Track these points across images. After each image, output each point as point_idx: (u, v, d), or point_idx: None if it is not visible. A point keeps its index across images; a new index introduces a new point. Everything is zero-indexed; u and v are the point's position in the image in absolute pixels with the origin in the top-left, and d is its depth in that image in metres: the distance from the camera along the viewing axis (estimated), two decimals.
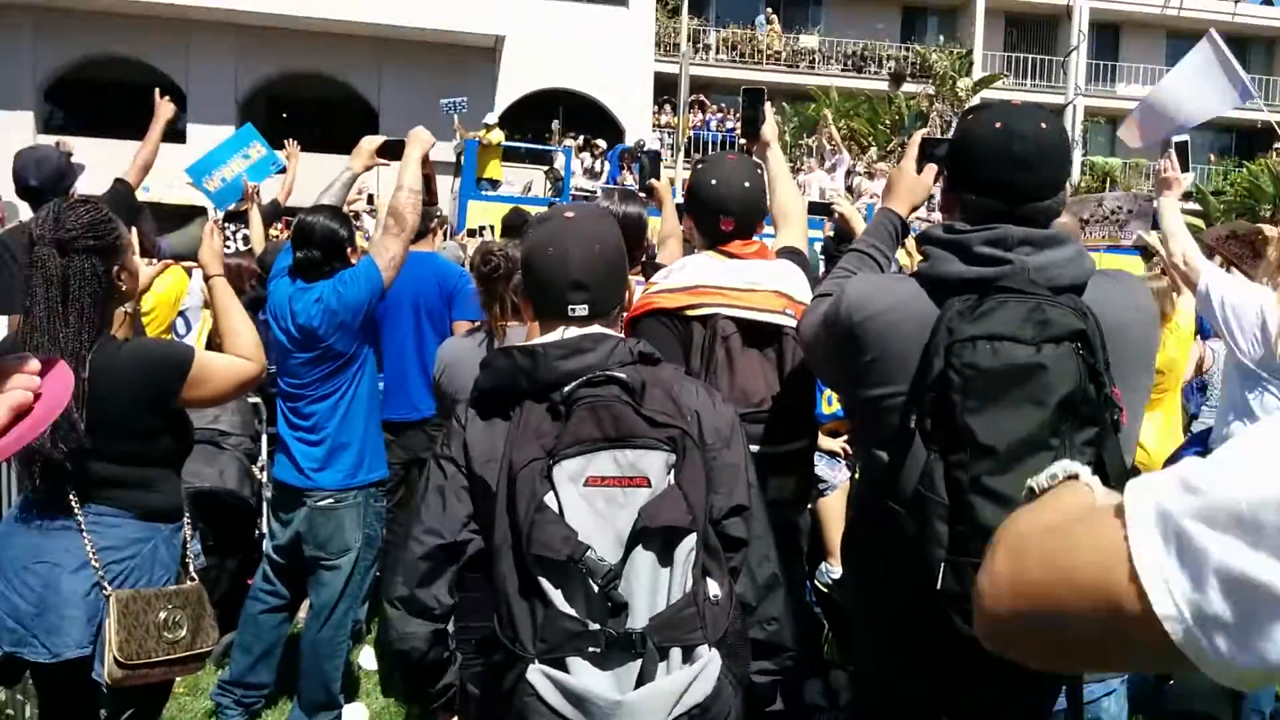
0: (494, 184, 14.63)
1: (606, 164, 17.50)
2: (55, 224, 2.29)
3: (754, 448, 2.30)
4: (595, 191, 16.47)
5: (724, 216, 2.51)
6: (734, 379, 2.39)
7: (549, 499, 1.54)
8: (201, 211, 6.21)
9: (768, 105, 2.97)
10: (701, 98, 24.66)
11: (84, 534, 2.32)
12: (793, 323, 2.40)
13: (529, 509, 1.54)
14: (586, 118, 23.20)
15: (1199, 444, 3.90)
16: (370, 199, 10.27)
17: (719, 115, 24.53)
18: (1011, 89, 26.97)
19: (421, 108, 17.44)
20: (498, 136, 15.11)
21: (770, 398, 2.41)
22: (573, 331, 1.70)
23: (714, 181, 2.53)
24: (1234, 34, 30.05)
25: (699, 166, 2.63)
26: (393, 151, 3.95)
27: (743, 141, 3.21)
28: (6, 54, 20.35)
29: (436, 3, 20.57)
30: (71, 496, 2.33)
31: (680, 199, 2.95)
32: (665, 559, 1.55)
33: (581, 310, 1.70)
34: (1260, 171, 23.24)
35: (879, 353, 1.87)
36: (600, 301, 1.72)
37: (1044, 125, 1.85)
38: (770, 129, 2.95)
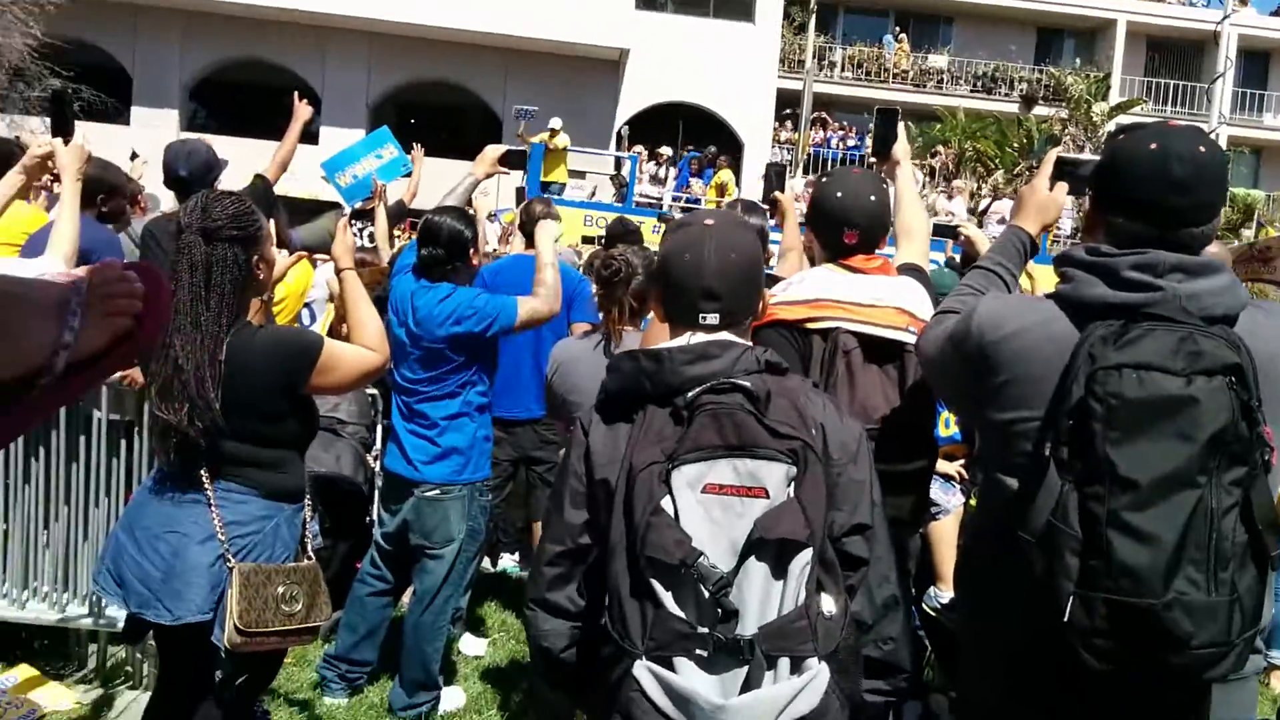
0: (559, 188, 14.81)
1: (673, 171, 17.52)
2: (203, 213, 2.40)
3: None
4: (660, 198, 16.58)
5: (848, 229, 2.48)
6: (854, 394, 2.35)
7: (665, 503, 1.53)
8: (330, 206, 6.42)
9: (901, 125, 2.93)
10: (824, 115, 24.46)
11: (212, 508, 2.41)
12: (914, 339, 2.35)
13: (645, 511, 1.53)
14: (708, 131, 23.26)
15: None
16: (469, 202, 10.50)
17: (840, 133, 24.29)
18: (1150, 114, 25.93)
19: (545, 117, 17.83)
20: (563, 141, 15.31)
21: (890, 415, 2.36)
22: (699, 337, 1.68)
23: (839, 194, 2.50)
24: None
25: (823, 180, 2.60)
26: (514, 161, 4.09)
27: (873, 160, 3.18)
28: (156, 55, 21.49)
29: (563, 15, 20.91)
30: (203, 472, 2.43)
31: (803, 213, 2.93)
32: (779, 571, 1.53)
33: (712, 318, 1.70)
34: None
35: (1013, 375, 1.81)
36: (732, 311, 1.71)
37: (1203, 148, 1.76)
38: (902, 147, 2.92)
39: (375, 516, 4.12)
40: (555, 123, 15.36)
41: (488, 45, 21.61)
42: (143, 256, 3.97)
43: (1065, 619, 1.61)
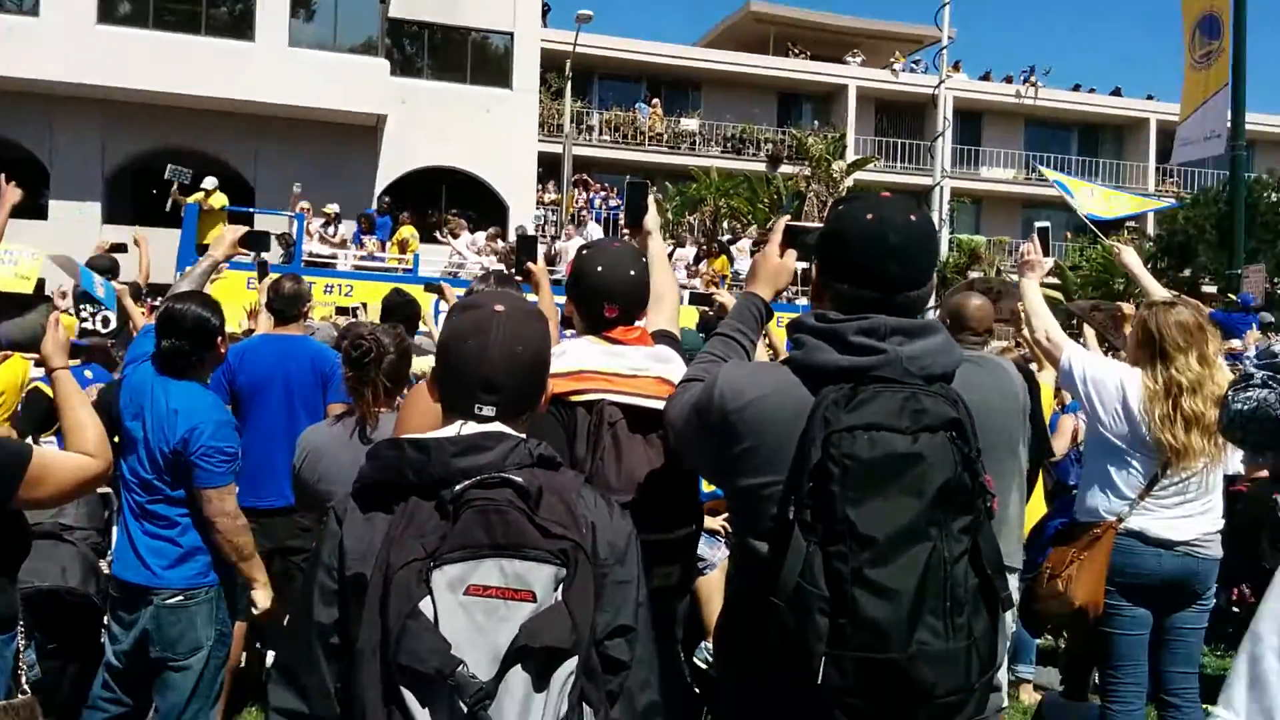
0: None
1: (339, 228, 17.18)
2: None
3: (641, 536, 2.25)
4: (334, 256, 16.23)
5: (608, 304, 2.48)
6: (621, 466, 2.33)
7: (424, 605, 1.43)
8: (41, 300, 5.97)
9: (650, 197, 3.00)
10: (585, 177, 25.06)
11: None
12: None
13: (401, 614, 1.42)
14: (471, 195, 23.26)
15: (1064, 514, 4.02)
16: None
17: (602, 193, 24.94)
18: (883, 171, 28.22)
19: (303, 181, 17.22)
20: (219, 200, 14.37)
21: (657, 483, 2.36)
22: (471, 428, 1.60)
23: (599, 268, 2.49)
24: (1086, 122, 32.32)
25: (584, 252, 2.59)
26: (253, 241, 3.91)
27: (625, 231, 3.23)
28: None
29: (316, 81, 20.42)
30: None
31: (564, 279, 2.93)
32: (542, 682, 1.45)
33: (489, 410, 1.62)
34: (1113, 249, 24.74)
35: (755, 441, 1.84)
36: (511, 404, 1.64)
37: (914, 217, 1.87)
38: (652, 218, 2.98)
39: (107, 632, 3.73)
40: (209, 182, 14.32)
41: (234, 113, 20.74)
42: None
43: (819, 680, 1.63)
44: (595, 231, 17.98)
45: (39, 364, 4.67)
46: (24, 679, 2.34)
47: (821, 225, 2.07)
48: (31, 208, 13.85)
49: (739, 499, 1.91)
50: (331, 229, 16.74)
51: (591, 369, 2.41)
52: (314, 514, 3.43)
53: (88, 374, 5.34)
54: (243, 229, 3.96)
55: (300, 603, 1.64)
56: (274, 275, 5.09)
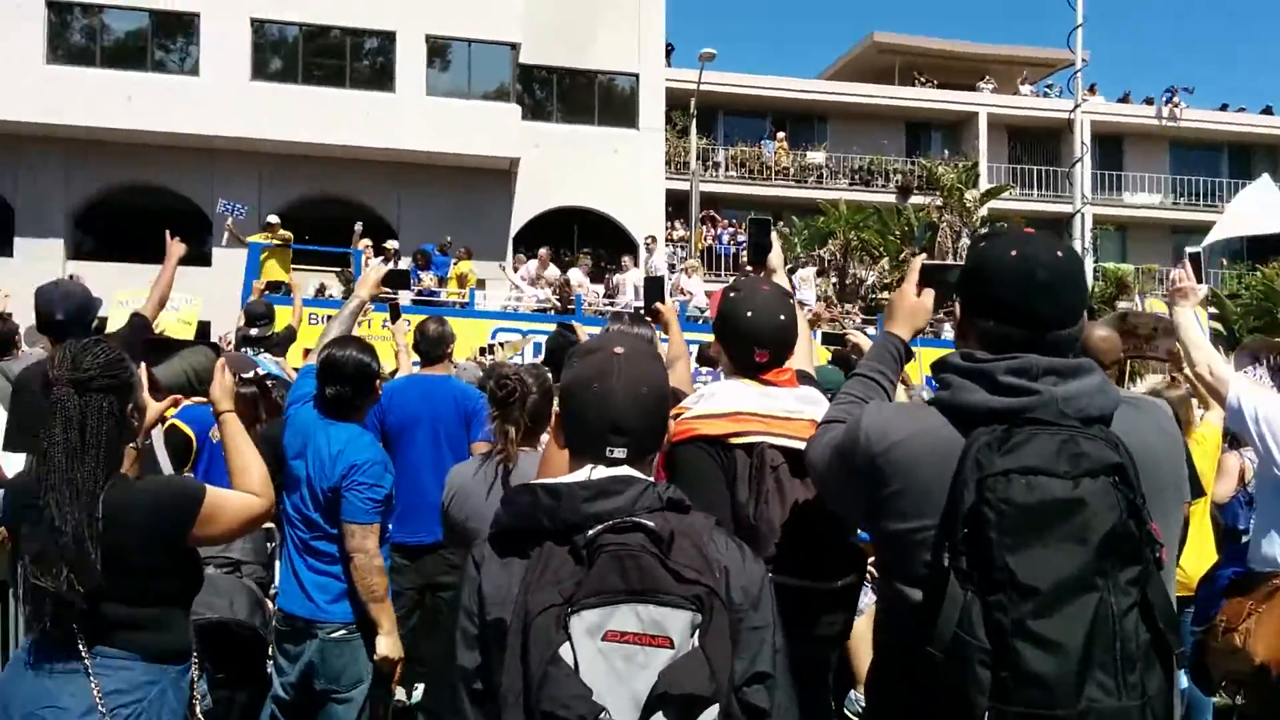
0: (278, 287, 13.51)
1: (398, 264, 17.31)
2: (73, 365, 2.30)
3: (804, 583, 2.22)
4: (394, 294, 16.17)
5: (759, 349, 2.47)
6: (785, 511, 2.30)
7: (564, 651, 1.45)
8: (186, 345, 6.29)
9: (774, 234, 3.01)
10: (712, 213, 25.16)
11: (91, 678, 2.25)
12: None
13: (542, 660, 1.45)
14: (602, 233, 23.66)
15: (1237, 562, 3.77)
16: None
17: (730, 229, 24.98)
18: (1019, 199, 27.41)
19: (440, 226, 17.83)
20: (284, 236, 14.46)
21: (819, 531, 2.32)
22: (600, 472, 1.62)
23: (749, 314, 2.48)
24: (1237, 142, 30.71)
25: (732, 295, 2.57)
26: (395, 281, 4.07)
27: (749, 267, 3.24)
28: (39, 183, 20.99)
29: (452, 128, 21.23)
30: (79, 639, 2.27)
31: (708, 317, 2.95)
32: None
33: (619, 453, 1.64)
34: (1275, 276, 23.38)
35: (902, 484, 1.80)
36: (639, 446, 1.66)
37: (1060, 252, 1.82)
38: (776, 256, 2.97)
39: (273, 664, 3.90)
40: (272, 218, 14.77)
41: (378, 160, 21.70)
42: (14, 404, 3.78)
43: None
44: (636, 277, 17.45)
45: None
46: (198, 708, 2.46)
47: (960, 264, 2.04)
48: (196, 256, 14.71)
49: (888, 544, 1.88)
50: (391, 265, 17.08)
51: (748, 411, 2.39)
52: (462, 551, 3.53)
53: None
54: (385, 269, 4.15)
55: (445, 647, 1.68)
56: (406, 316, 5.28)
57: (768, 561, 2.16)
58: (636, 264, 18.28)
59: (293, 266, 14.63)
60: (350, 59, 21.89)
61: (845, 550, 2.40)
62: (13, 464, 4.19)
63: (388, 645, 3.49)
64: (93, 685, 2.25)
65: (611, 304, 17.06)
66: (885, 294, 23.79)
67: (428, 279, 16.57)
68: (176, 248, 4.60)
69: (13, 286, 10.13)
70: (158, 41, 21.38)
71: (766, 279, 2.95)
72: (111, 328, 5.88)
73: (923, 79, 29.64)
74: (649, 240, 20.27)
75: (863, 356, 2.88)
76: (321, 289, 16.16)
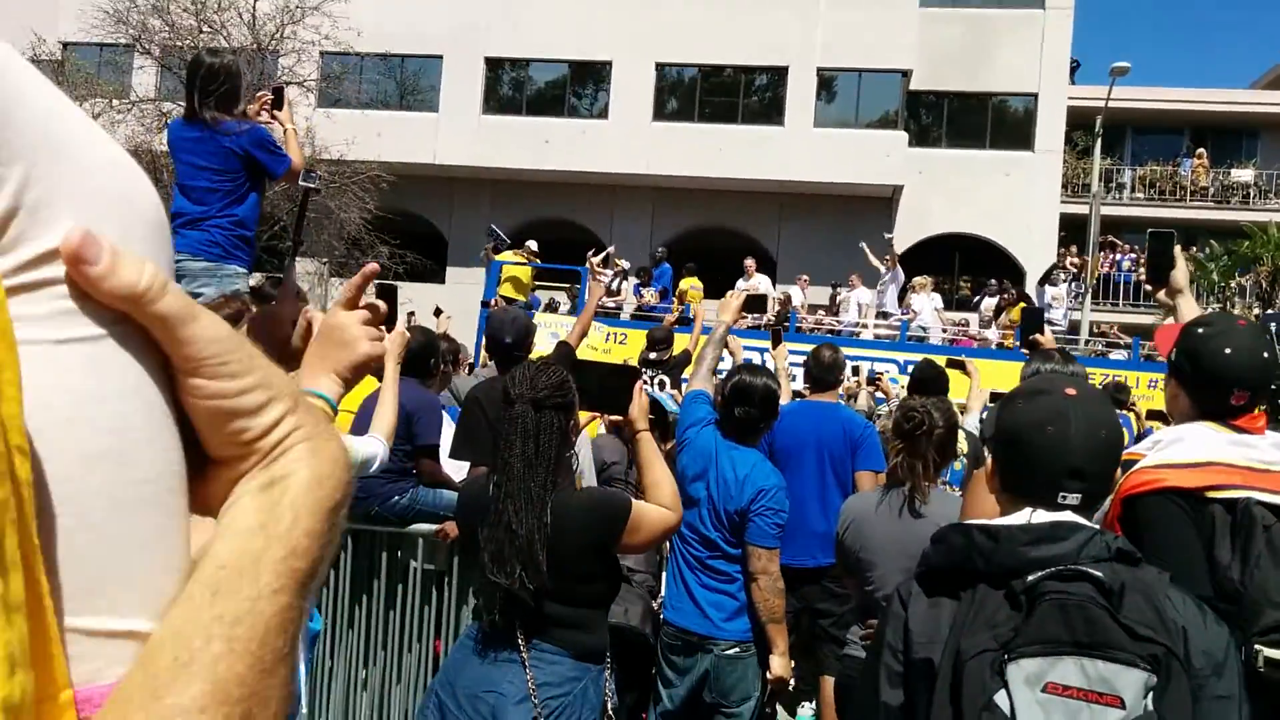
0: (513, 303, 13.89)
1: (625, 282, 16.73)
2: (531, 385, 2.55)
3: None
4: (617, 307, 15.75)
5: (1238, 390, 2.22)
6: None
7: (999, 698, 1.39)
8: (621, 366, 6.81)
9: (1178, 249, 2.69)
10: (1112, 238, 23.13)
11: (526, 668, 2.48)
12: None
13: (976, 705, 1.40)
14: (986, 259, 22.61)
15: None
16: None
17: (1132, 254, 22.85)
18: None
19: (817, 254, 17.98)
20: (530, 252, 14.85)
21: None
22: (1042, 516, 1.56)
23: (1228, 350, 2.24)
24: None
25: (1202, 331, 2.33)
26: (755, 305, 4.21)
27: (1148, 287, 2.92)
28: (467, 221, 23.83)
29: (836, 157, 21.35)
30: (519, 633, 2.50)
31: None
32: None
33: (1074, 499, 1.57)
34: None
35: None
36: (1094, 492, 1.59)
37: None
38: (1181, 273, 2.68)
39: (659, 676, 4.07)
40: (531, 244, 15.10)
41: (763, 191, 22.31)
42: (464, 418, 4.29)
43: None
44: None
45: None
46: (609, 706, 2.63)
47: None
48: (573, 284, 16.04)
49: None
50: (614, 284, 17.12)
51: (1223, 461, 2.15)
52: (851, 579, 3.50)
53: None
54: (744, 293, 4.37)
55: (865, 682, 1.67)
56: (819, 346, 5.36)
57: (1263, 633, 1.94)
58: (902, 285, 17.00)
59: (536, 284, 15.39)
60: (743, 95, 22.72)
61: None
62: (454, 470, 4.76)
63: (781, 665, 3.56)
64: (528, 675, 2.47)
65: (838, 322, 16.58)
66: None
67: (648, 294, 16.58)
68: (598, 288, 5.05)
69: (447, 309, 11.58)
70: (573, 89, 23.49)
71: (1170, 299, 2.68)
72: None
73: None
74: (1056, 270, 18.63)
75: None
76: (553, 304, 16.79)
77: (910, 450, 3.01)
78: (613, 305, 15.83)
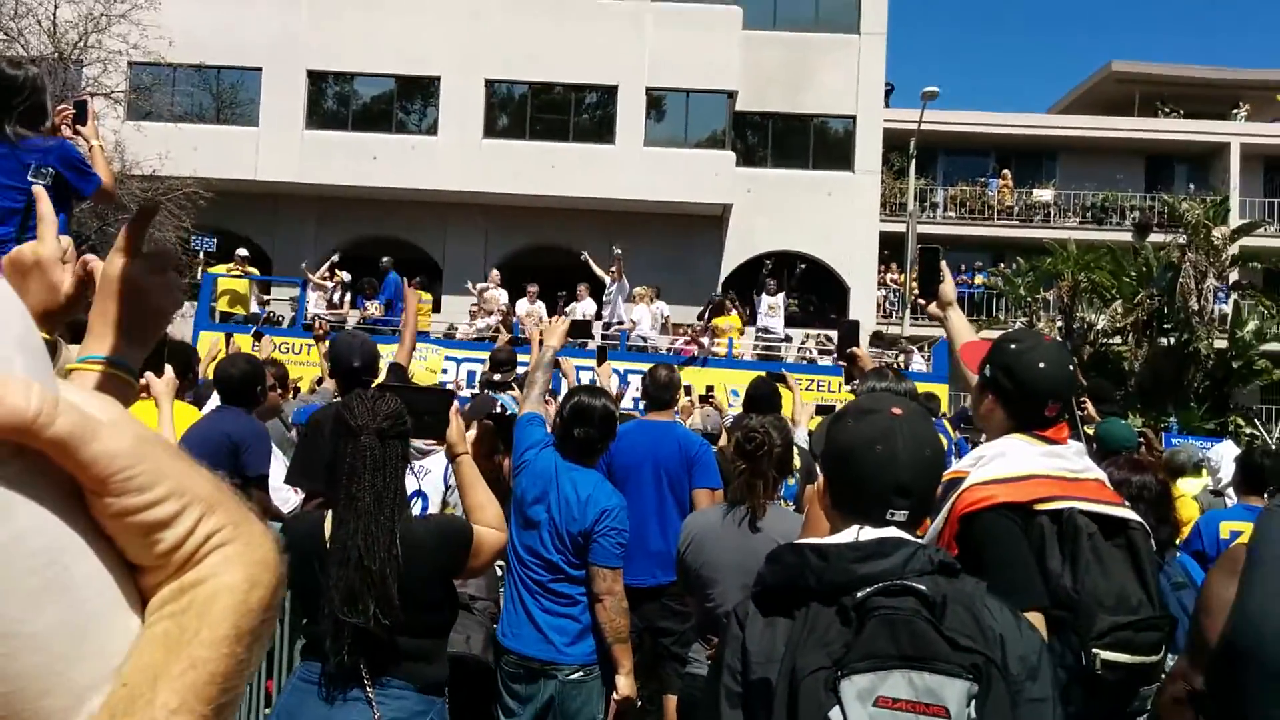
0: (230, 318, 14.27)
1: (346, 294, 17.12)
2: (373, 414, 2.45)
3: (1135, 659, 2.07)
4: (342, 322, 16.11)
5: (1052, 401, 2.33)
6: (1110, 582, 2.14)
7: (834, 714, 1.42)
8: (435, 390, 6.70)
9: (944, 263, 2.87)
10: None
11: (374, 707, 2.37)
12: (1136, 515, 2.18)
13: None
14: (813, 278, 23.43)
15: None
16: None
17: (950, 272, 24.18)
18: (1275, 235, 25.18)
19: (650, 272, 18.20)
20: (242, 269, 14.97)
21: (1145, 602, 2.15)
22: (869, 533, 1.59)
23: (1042, 365, 2.33)
24: None
25: (1015, 347, 2.41)
26: (580, 331, 4.23)
27: (921, 301, 3.05)
28: (294, 236, 23.00)
29: (665, 176, 21.72)
30: (363, 668, 2.39)
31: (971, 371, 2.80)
32: None
33: (901, 515, 1.61)
34: None
35: None
36: (920, 508, 1.64)
37: None
38: (949, 287, 2.85)
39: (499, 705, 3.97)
40: (241, 251, 15.28)
41: (596, 210, 22.42)
42: (302, 444, 4.12)
43: None
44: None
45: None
46: None
47: None
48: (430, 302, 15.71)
49: None
50: (339, 294, 17.25)
51: (1042, 473, 2.25)
52: (692, 596, 3.52)
53: None
54: (568, 320, 4.40)
55: (706, 703, 1.67)
56: (655, 366, 5.39)
57: (1098, 637, 2.05)
58: (590, 294, 17.24)
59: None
60: (574, 113, 22.80)
61: (1169, 624, 2.22)
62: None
63: (627, 685, 3.55)
64: (375, 714, 2.36)
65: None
66: (1116, 339, 22.32)
67: (373, 307, 16.44)
68: (412, 295, 4.90)
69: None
70: (401, 105, 23.02)
71: (941, 311, 2.86)
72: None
73: (1166, 109, 27.81)
74: (767, 279, 18.65)
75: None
76: (274, 317, 16.79)
77: (753, 470, 3.06)
78: (334, 318, 15.52)
